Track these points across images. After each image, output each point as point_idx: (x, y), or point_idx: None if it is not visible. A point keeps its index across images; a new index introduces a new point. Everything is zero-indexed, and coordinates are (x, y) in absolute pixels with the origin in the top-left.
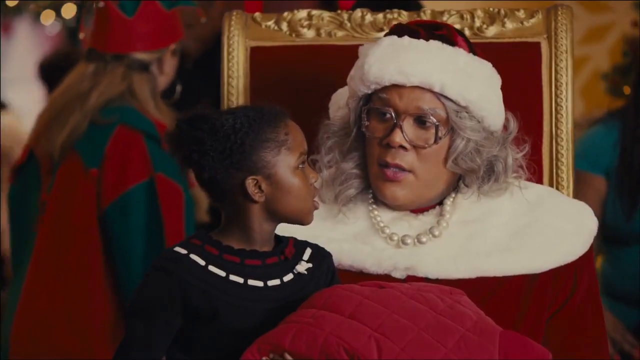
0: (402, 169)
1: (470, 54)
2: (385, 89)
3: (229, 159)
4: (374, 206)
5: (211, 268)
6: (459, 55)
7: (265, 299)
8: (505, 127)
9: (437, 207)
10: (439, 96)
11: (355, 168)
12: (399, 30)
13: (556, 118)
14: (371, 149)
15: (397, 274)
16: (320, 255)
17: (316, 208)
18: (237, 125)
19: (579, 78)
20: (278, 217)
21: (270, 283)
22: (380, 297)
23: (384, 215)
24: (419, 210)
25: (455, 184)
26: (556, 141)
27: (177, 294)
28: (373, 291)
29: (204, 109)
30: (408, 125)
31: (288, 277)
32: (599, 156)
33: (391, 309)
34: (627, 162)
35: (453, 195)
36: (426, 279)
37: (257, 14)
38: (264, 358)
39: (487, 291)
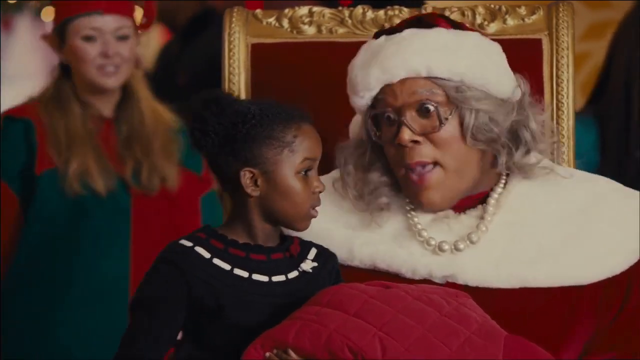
0: (425, 164)
1: (452, 30)
2: (380, 91)
3: (229, 146)
4: (411, 206)
5: (216, 261)
6: (439, 34)
7: (270, 293)
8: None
9: (480, 206)
10: (431, 78)
11: (383, 176)
12: (379, 34)
13: (557, 114)
14: (389, 155)
15: (436, 280)
16: (325, 256)
17: (314, 216)
18: (249, 115)
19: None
20: (273, 217)
21: (275, 279)
22: (386, 297)
23: (422, 217)
24: (461, 206)
25: (497, 178)
26: (557, 137)
27: (181, 286)
28: (378, 291)
29: (224, 91)
30: (411, 118)
31: (293, 274)
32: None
33: (396, 309)
34: (613, 163)
35: (499, 190)
36: (465, 287)
37: (258, 11)
38: (267, 354)
39: (530, 303)
